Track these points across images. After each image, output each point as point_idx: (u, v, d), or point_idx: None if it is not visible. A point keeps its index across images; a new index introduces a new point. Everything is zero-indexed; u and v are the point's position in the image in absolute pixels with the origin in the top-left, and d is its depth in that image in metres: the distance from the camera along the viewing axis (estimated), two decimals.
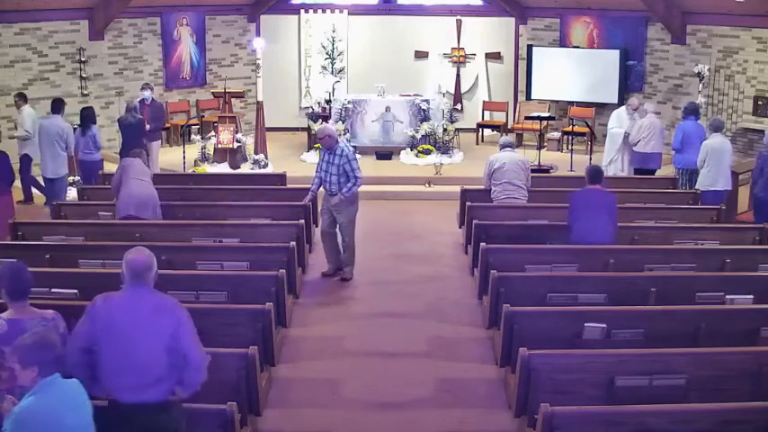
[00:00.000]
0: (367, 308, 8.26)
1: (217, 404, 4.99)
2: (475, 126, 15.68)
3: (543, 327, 6.22)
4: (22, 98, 11.65)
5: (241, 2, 16.04)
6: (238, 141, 13.38)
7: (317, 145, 12.98)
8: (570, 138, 14.26)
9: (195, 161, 13.29)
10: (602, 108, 14.89)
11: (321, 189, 9.05)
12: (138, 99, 12.38)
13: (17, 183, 11.22)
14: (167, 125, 14.64)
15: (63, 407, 3.90)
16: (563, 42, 15.56)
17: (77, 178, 11.56)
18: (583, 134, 14.34)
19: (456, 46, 16.02)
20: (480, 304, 8.06)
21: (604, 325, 6.17)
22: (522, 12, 16.04)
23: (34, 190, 11.68)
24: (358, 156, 13.83)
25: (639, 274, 7.38)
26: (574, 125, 14.05)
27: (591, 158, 12.99)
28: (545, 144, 14.85)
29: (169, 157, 13.68)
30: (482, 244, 8.01)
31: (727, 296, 6.84)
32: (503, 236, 8.43)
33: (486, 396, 6.50)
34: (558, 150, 14.72)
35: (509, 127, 15.64)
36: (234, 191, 10.27)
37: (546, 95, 15.51)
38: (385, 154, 14.13)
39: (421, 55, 16.28)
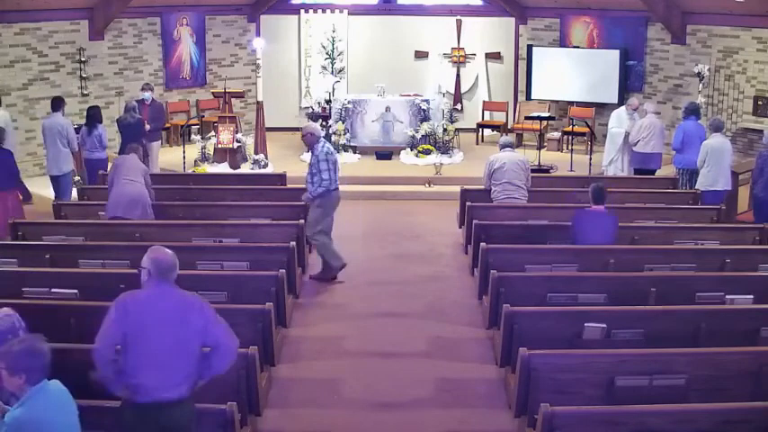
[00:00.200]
0: (367, 308, 8.26)
1: (217, 404, 4.99)
2: (475, 126, 15.68)
3: (543, 327, 6.22)
4: None
5: (241, 2, 16.04)
6: (238, 141, 13.37)
7: None
8: (570, 138, 14.26)
9: (195, 161, 13.29)
10: (602, 108, 14.88)
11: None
12: (138, 99, 12.37)
13: None
14: (167, 125, 14.64)
15: (53, 414, 3.92)
16: (563, 42, 15.56)
17: (77, 178, 11.57)
18: (583, 134, 14.34)
19: (456, 46, 16.02)
20: (480, 304, 8.06)
21: (604, 325, 6.17)
22: (522, 12, 16.04)
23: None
24: (357, 156, 14.06)
25: (639, 274, 7.38)
26: (574, 125, 14.05)
27: (591, 158, 13.00)
28: (545, 144, 14.84)
29: (169, 157, 13.67)
30: (482, 244, 8.01)
31: (727, 296, 6.84)
32: (503, 236, 8.43)
33: (486, 396, 6.50)
34: (558, 150, 14.71)
35: (509, 127, 15.63)
36: (234, 191, 10.27)
37: (546, 95, 15.51)
38: (385, 154, 14.13)
39: (421, 55, 16.27)
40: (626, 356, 5.55)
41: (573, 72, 15.07)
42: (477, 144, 15.41)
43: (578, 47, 15.27)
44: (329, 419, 6.16)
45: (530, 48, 15.57)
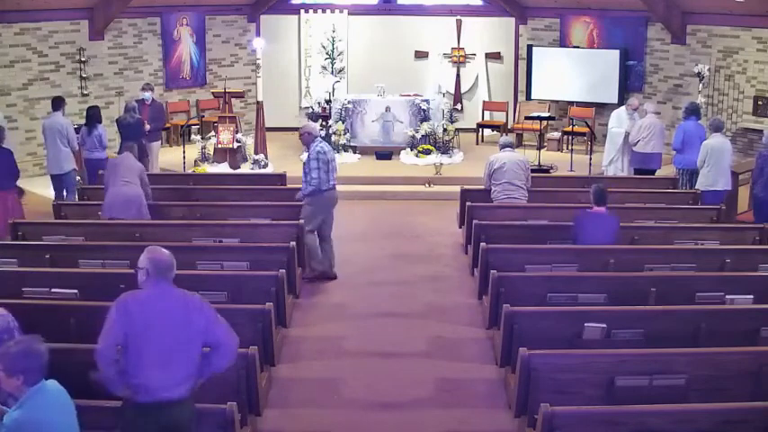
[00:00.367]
0: (367, 308, 8.25)
1: (217, 404, 4.99)
2: (475, 126, 15.68)
3: (543, 327, 6.22)
4: None
5: (241, 2, 16.04)
6: (238, 141, 13.37)
7: None
8: (570, 138, 14.26)
9: (195, 161, 13.29)
10: (602, 108, 14.88)
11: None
12: (138, 99, 12.37)
13: None
14: (167, 125, 14.64)
15: (52, 415, 3.92)
16: (563, 42, 15.56)
17: (78, 178, 11.58)
18: (583, 134, 14.34)
19: (456, 46, 16.02)
20: (480, 304, 8.06)
21: (604, 325, 6.17)
22: (522, 12, 16.04)
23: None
24: (357, 156, 14.05)
25: (639, 274, 7.38)
26: (574, 125, 14.05)
27: (591, 158, 12.99)
28: (545, 144, 14.84)
29: (169, 157, 13.67)
30: (482, 244, 8.01)
31: (727, 296, 6.84)
32: (503, 236, 8.42)
33: (486, 396, 6.50)
34: (558, 150, 14.71)
35: (509, 127, 15.63)
36: (234, 191, 10.27)
37: (546, 95, 15.51)
38: (385, 154, 14.13)
39: (421, 55, 16.27)
40: (626, 356, 5.55)
41: (573, 72, 15.07)
42: (477, 144, 15.40)
43: (578, 47, 15.27)
44: (329, 419, 6.16)
45: (530, 48, 15.57)
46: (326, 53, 15.31)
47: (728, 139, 10.71)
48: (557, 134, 15.03)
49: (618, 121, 12.20)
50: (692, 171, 10.39)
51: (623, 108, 12.46)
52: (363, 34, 16.28)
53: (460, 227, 10.15)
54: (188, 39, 15.46)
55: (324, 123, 13.98)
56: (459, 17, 15.91)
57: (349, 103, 14.20)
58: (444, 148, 13.83)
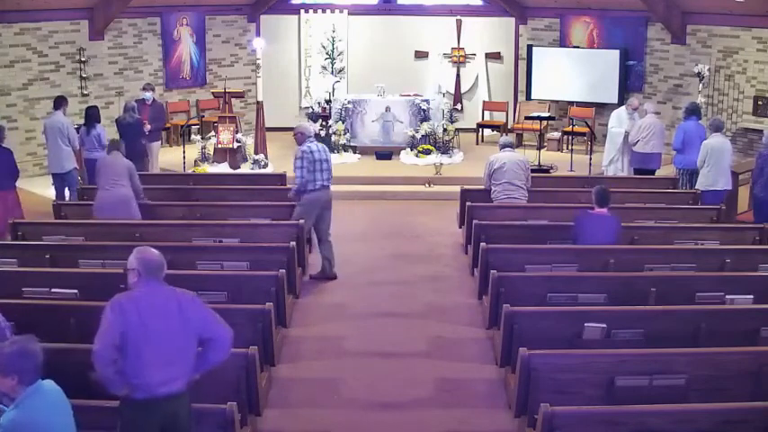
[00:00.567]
0: (367, 308, 8.25)
1: (217, 404, 4.99)
2: (475, 126, 15.68)
3: (543, 327, 6.22)
4: None
5: (241, 2, 16.04)
6: (238, 141, 13.37)
7: None
8: (570, 138, 14.26)
9: (195, 161, 13.29)
10: (602, 108, 14.88)
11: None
12: (139, 99, 12.36)
13: None
14: (167, 125, 14.63)
15: (49, 415, 3.93)
16: (563, 42, 15.56)
17: (78, 178, 11.58)
18: (583, 134, 14.34)
19: (456, 46, 16.02)
20: (480, 304, 8.06)
21: (604, 325, 6.17)
22: (522, 12, 16.04)
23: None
24: (357, 156, 14.04)
25: (639, 274, 7.38)
26: (574, 125, 14.05)
27: (591, 158, 12.99)
28: (545, 144, 14.84)
29: (169, 157, 13.67)
30: (482, 244, 8.01)
31: (727, 296, 6.84)
32: (503, 236, 8.42)
33: (486, 396, 6.50)
34: (558, 150, 14.71)
35: (509, 127, 15.63)
36: (234, 191, 10.27)
37: (546, 95, 15.51)
38: (385, 154, 14.13)
39: (421, 55, 16.27)
40: (626, 356, 5.55)
41: (573, 72, 15.07)
42: (477, 144, 15.40)
43: (578, 47, 15.27)
44: (329, 419, 6.16)
45: (530, 48, 15.57)
46: (326, 53, 15.30)
47: (728, 139, 10.71)
48: (557, 134, 15.03)
49: (618, 121, 12.20)
50: (692, 171, 10.39)
51: (623, 108, 12.45)
52: (363, 34, 16.28)
53: (460, 227, 10.15)
54: (188, 39, 15.46)
55: (324, 123, 13.98)
56: (459, 17, 15.91)
57: (349, 103, 14.20)
58: (444, 148, 13.83)
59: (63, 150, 10.82)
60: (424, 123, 13.95)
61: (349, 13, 16.16)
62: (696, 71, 13.20)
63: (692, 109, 10.90)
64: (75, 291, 6.72)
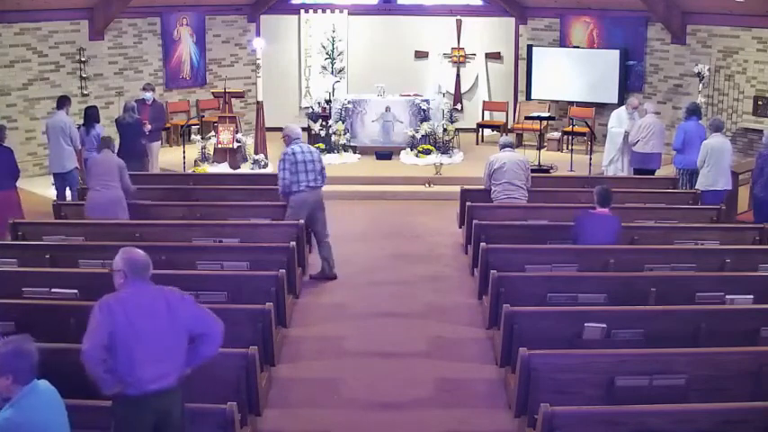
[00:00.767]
0: (367, 308, 8.25)
1: (217, 404, 4.99)
2: (475, 126, 15.68)
3: (543, 327, 6.22)
4: None
5: (241, 2, 16.04)
6: (238, 141, 13.37)
7: (318, 145, 12.97)
8: (570, 138, 14.26)
9: (195, 161, 13.29)
10: (602, 108, 14.88)
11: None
12: (139, 99, 12.36)
13: None
14: (167, 125, 14.64)
15: (45, 415, 3.93)
16: (563, 42, 15.56)
17: (78, 178, 11.59)
18: (583, 134, 14.34)
19: (456, 46, 16.02)
20: (480, 304, 8.06)
21: (604, 325, 6.17)
22: (522, 12, 16.04)
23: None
24: (357, 156, 14.04)
25: (639, 274, 7.37)
26: (574, 125, 14.05)
27: (591, 158, 13.00)
28: (545, 144, 14.84)
29: (169, 157, 13.67)
30: (482, 244, 8.01)
31: (727, 296, 6.84)
32: (503, 236, 8.42)
33: (486, 396, 6.50)
34: (558, 150, 14.71)
35: (509, 127, 15.63)
36: (234, 191, 10.27)
37: (546, 95, 15.51)
38: (385, 154, 14.13)
39: (421, 55, 16.27)
40: (626, 356, 5.55)
41: (573, 72, 15.07)
42: (477, 144, 15.40)
43: (578, 47, 15.27)
44: (329, 419, 6.16)
45: (530, 48, 15.57)
46: (326, 53, 15.31)
47: (728, 139, 10.71)
48: (557, 134, 15.03)
49: (618, 121, 12.20)
50: (692, 171, 10.39)
51: (623, 108, 12.45)
52: (363, 34, 16.28)
53: (460, 227, 10.15)
54: (188, 39, 15.46)
55: (324, 123, 13.98)
56: (459, 17, 15.91)
57: (349, 103, 14.20)
58: (444, 148, 13.83)
59: (65, 150, 10.83)
60: (424, 123, 13.95)
61: (349, 13, 16.16)
62: (696, 71, 13.20)
63: (693, 109, 10.90)
64: (75, 291, 6.73)
